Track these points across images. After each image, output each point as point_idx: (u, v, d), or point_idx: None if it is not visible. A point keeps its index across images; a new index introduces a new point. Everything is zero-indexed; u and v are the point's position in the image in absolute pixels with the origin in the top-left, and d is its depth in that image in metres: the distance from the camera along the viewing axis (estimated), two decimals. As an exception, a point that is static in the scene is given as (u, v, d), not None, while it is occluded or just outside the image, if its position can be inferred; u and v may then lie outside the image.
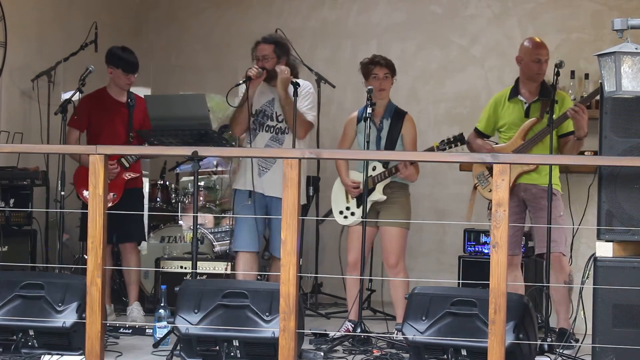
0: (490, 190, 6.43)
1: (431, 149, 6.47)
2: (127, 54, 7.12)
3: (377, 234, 6.67)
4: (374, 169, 6.54)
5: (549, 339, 6.00)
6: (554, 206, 6.19)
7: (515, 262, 6.52)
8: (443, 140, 6.46)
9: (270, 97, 6.64)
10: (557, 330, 6.38)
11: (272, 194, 6.54)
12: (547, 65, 6.50)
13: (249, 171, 6.57)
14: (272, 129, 6.62)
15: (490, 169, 6.48)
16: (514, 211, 6.34)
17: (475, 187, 6.75)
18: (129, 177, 7.04)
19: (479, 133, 6.73)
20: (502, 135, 6.64)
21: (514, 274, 6.44)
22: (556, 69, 6.21)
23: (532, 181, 6.47)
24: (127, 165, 7.01)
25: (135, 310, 7.05)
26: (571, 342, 5.98)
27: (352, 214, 6.62)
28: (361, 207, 6.52)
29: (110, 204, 6.90)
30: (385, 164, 6.52)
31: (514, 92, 6.57)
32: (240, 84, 6.51)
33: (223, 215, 8.11)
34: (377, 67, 6.59)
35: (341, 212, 6.68)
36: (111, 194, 6.95)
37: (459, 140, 6.44)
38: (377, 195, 6.53)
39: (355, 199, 6.61)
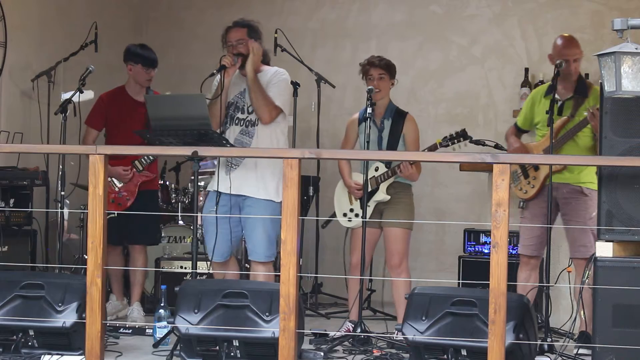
0: (521, 189, 6.38)
1: (434, 146, 6.43)
2: (145, 50, 7.15)
3: (380, 234, 6.67)
4: (376, 169, 6.53)
5: (549, 339, 5.99)
6: (585, 207, 6.09)
7: (532, 263, 6.34)
8: (445, 137, 6.41)
9: (242, 87, 6.22)
10: (572, 333, 6.00)
11: (243, 193, 6.09)
12: (578, 64, 6.32)
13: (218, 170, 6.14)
14: (242, 122, 6.19)
15: (523, 167, 6.38)
16: (540, 212, 6.22)
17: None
18: (142, 179, 7.05)
19: (517, 128, 6.58)
20: (538, 132, 6.46)
21: (528, 273, 6.32)
22: (556, 70, 6.19)
23: (564, 180, 6.27)
24: (141, 168, 6.99)
25: (135, 311, 7.05)
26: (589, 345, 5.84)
27: (357, 215, 6.60)
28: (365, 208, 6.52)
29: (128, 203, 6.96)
30: (387, 163, 6.51)
31: (551, 89, 6.28)
32: (214, 74, 6.18)
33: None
34: (371, 68, 6.59)
35: (345, 215, 6.67)
36: (125, 196, 6.97)
37: (461, 136, 6.38)
38: (381, 195, 6.53)
39: (359, 201, 6.59)
